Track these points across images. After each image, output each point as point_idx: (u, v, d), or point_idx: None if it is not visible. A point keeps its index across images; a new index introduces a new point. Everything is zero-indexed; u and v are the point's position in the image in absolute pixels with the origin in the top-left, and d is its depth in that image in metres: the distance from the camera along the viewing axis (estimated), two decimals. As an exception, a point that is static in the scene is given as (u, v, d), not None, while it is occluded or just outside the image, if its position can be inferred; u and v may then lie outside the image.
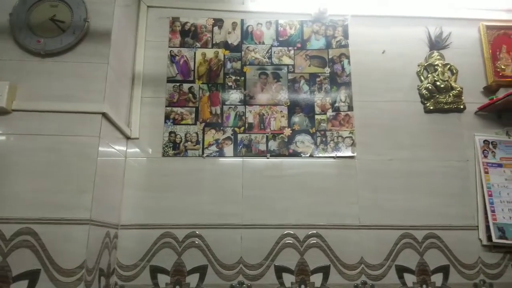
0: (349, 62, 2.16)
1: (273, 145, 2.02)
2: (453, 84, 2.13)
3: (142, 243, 1.85)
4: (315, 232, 1.90)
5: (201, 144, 2.00)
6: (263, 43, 2.17)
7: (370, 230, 1.92)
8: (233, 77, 2.11)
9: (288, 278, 1.84)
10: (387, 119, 2.08)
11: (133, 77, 2.06)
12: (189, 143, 2.00)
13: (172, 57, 2.12)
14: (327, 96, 2.11)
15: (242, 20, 2.20)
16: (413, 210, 1.95)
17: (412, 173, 2.01)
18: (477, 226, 1.95)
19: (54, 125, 1.55)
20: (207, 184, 1.94)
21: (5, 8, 1.67)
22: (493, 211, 1.93)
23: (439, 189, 1.99)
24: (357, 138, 2.05)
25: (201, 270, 1.83)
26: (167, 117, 2.03)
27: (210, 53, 2.14)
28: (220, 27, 2.18)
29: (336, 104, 2.10)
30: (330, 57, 2.17)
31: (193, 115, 2.05)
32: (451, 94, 2.11)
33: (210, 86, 2.09)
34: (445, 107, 2.09)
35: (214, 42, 2.16)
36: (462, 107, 2.10)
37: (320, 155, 2.02)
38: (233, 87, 2.10)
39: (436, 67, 2.15)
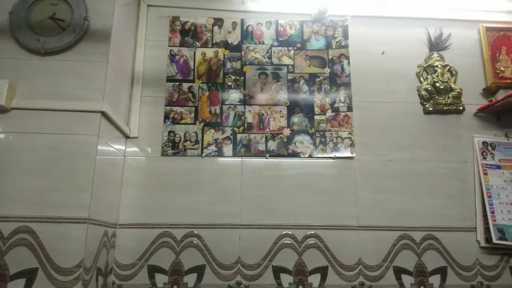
0: (348, 63, 2.16)
1: (272, 145, 2.02)
2: (452, 86, 2.13)
3: (140, 242, 1.85)
4: (313, 232, 1.91)
5: (200, 143, 2.00)
6: (263, 43, 2.17)
7: (368, 231, 1.92)
8: (233, 77, 2.11)
9: (286, 279, 1.84)
10: (386, 120, 2.09)
11: (133, 76, 2.06)
12: (188, 142, 2.00)
13: (172, 57, 2.12)
14: (327, 96, 2.11)
15: (242, 20, 2.20)
16: (411, 211, 1.95)
17: (411, 174, 2.01)
18: (475, 228, 1.95)
19: (53, 124, 1.55)
20: (206, 183, 1.94)
21: (5, 7, 1.67)
22: (492, 212, 1.93)
23: (437, 190, 1.99)
24: (356, 139, 2.05)
25: (199, 270, 1.83)
26: (166, 116, 2.03)
27: (210, 52, 2.14)
28: (220, 27, 2.18)
29: (336, 105, 2.10)
30: (330, 57, 2.17)
31: (193, 115, 2.05)
32: (450, 96, 2.11)
33: (209, 85, 2.09)
34: (445, 108, 2.10)
35: (214, 41, 2.16)
36: (461, 108, 2.10)
37: (319, 155, 2.02)
38: (232, 87, 2.10)
39: (435, 68, 2.15)
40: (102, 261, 1.65)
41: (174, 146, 1.99)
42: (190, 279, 1.81)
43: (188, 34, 2.17)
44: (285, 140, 2.03)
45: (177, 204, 1.90)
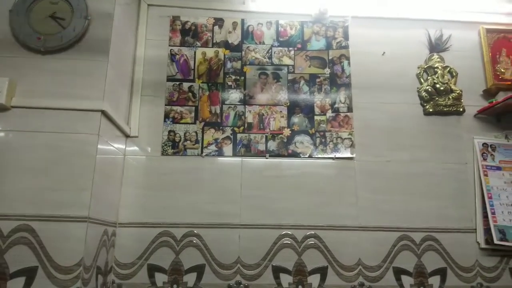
0: (349, 63, 2.16)
1: (272, 145, 2.02)
2: (452, 87, 2.13)
3: (140, 241, 1.84)
4: (313, 233, 1.90)
5: (200, 143, 2.00)
6: (264, 43, 2.17)
7: (368, 232, 1.92)
8: (233, 77, 2.11)
9: (286, 279, 1.84)
10: (386, 121, 2.09)
11: (133, 76, 2.06)
12: (188, 142, 2.00)
13: (172, 56, 2.12)
14: (327, 97, 2.11)
15: (242, 20, 2.20)
16: (411, 212, 1.96)
17: (411, 175, 2.01)
18: (475, 229, 1.95)
19: (53, 122, 1.55)
20: (205, 183, 1.94)
21: (6, 5, 1.67)
22: (493, 213, 1.93)
23: (437, 191, 2.00)
24: (356, 139, 2.05)
25: (199, 269, 1.82)
26: (166, 115, 2.03)
27: (210, 52, 2.14)
28: (220, 27, 2.18)
29: (336, 105, 2.10)
30: (330, 58, 2.17)
31: (193, 114, 2.04)
32: (450, 97, 2.11)
33: (210, 85, 2.09)
34: (445, 109, 2.10)
35: (214, 41, 2.16)
36: (461, 109, 2.11)
37: (319, 156, 2.02)
38: (233, 87, 2.10)
39: (436, 69, 2.15)
40: (102, 260, 1.65)
41: (174, 146, 1.99)
42: (190, 278, 1.81)
43: (189, 33, 2.16)
44: (285, 140, 2.03)
45: (177, 203, 1.90)
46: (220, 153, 1.99)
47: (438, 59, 2.17)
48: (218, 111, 2.06)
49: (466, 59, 2.21)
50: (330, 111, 2.09)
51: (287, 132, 2.04)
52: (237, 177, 1.96)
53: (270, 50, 2.17)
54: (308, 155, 2.02)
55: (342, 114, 2.09)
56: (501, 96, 2.05)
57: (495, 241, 1.88)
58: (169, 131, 2.01)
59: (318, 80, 2.13)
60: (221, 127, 2.03)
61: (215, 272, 1.83)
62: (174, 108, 2.05)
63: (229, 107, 2.07)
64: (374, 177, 2.00)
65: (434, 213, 1.96)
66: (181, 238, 1.86)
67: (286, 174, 1.98)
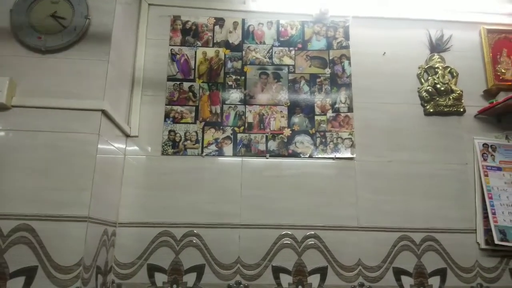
0: (349, 63, 2.16)
1: (272, 145, 2.02)
2: (453, 87, 2.13)
3: (140, 241, 1.84)
4: (313, 233, 1.90)
5: (200, 143, 2.00)
6: (264, 43, 2.17)
7: (368, 232, 1.92)
8: (234, 77, 2.11)
9: (286, 279, 1.84)
10: (387, 121, 2.09)
11: (134, 75, 2.06)
12: (188, 142, 2.00)
13: (172, 56, 2.12)
14: (327, 97, 2.11)
15: (243, 20, 2.20)
16: (411, 212, 1.95)
17: (411, 175, 2.01)
18: (475, 230, 1.95)
19: (53, 122, 1.55)
20: (206, 183, 1.94)
21: (6, 4, 1.67)
22: (494, 213, 1.93)
23: (437, 191, 2.00)
24: (356, 140, 2.05)
25: (199, 269, 1.82)
26: (167, 115, 2.03)
27: (210, 52, 2.14)
28: (221, 26, 2.18)
29: (336, 105, 2.10)
30: (330, 58, 2.17)
31: (193, 114, 2.04)
32: (451, 97, 2.11)
33: (210, 85, 2.09)
34: (445, 110, 2.10)
35: (215, 41, 2.16)
36: (462, 110, 2.10)
37: (320, 156, 2.02)
38: (233, 87, 2.10)
39: (436, 69, 2.15)
40: (102, 259, 1.65)
41: (174, 145, 1.99)
42: (190, 278, 1.81)
43: (189, 33, 2.16)
44: (286, 140, 2.03)
45: (177, 203, 1.90)
46: (220, 153, 1.99)
47: (439, 59, 2.17)
48: (218, 111, 2.06)
49: (466, 60, 2.21)
50: (330, 111, 2.09)
51: (287, 132, 2.04)
52: (237, 177, 1.96)
53: (271, 50, 2.16)
54: (308, 155, 2.02)
55: (342, 114, 2.09)
56: (501, 97, 2.05)
57: (496, 241, 1.87)
58: (170, 131, 2.01)
59: (318, 80, 2.13)
60: (221, 127, 2.03)
61: (215, 272, 1.83)
62: (175, 107, 2.04)
63: (230, 107, 2.06)
64: (374, 177, 2.00)
65: (434, 213, 1.96)
66: (181, 238, 1.86)
67: (286, 174, 1.98)
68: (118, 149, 1.85)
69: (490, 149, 2.06)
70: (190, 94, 2.07)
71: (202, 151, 1.99)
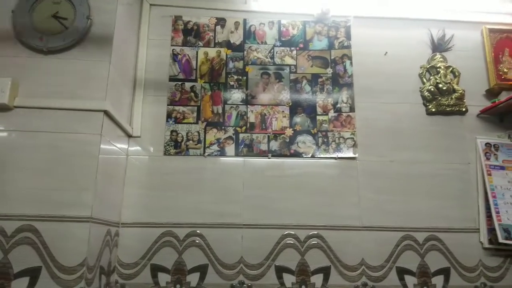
0: (351, 63, 2.16)
1: (274, 145, 2.02)
2: (455, 87, 2.13)
3: (143, 241, 1.84)
4: (316, 232, 1.90)
5: (202, 143, 2.00)
6: (266, 43, 2.17)
7: (371, 232, 1.92)
8: (235, 77, 2.11)
9: (289, 279, 1.84)
10: (389, 121, 2.08)
11: (135, 76, 2.06)
12: (190, 142, 2.00)
13: (174, 56, 2.12)
14: (329, 96, 2.11)
15: (244, 20, 2.20)
16: (414, 212, 1.95)
17: (414, 175, 2.01)
18: (479, 229, 1.95)
19: (56, 122, 1.55)
20: (208, 183, 1.94)
21: (8, 5, 1.67)
22: (497, 212, 1.92)
23: (440, 191, 1.99)
24: (358, 139, 2.05)
25: (202, 269, 1.82)
26: (169, 115, 2.03)
27: (212, 52, 2.14)
28: (222, 27, 2.18)
29: (338, 105, 2.10)
30: (332, 58, 2.17)
31: (195, 114, 2.04)
32: (453, 97, 2.11)
33: (212, 85, 2.09)
34: (447, 109, 2.09)
35: (216, 41, 2.16)
36: (464, 109, 2.10)
37: (322, 155, 2.02)
38: (235, 87, 2.10)
39: (438, 69, 2.15)
40: (105, 260, 1.65)
41: (176, 146, 1.99)
42: (193, 278, 1.81)
43: (191, 33, 2.16)
44: (288, 140, 2.03)
45: (180, 203, 1.90)
46: (222, 153, 1.99)
47: (441, 59, 2.17)
48: (220, 111, 2.06)
49: (468, 59, 2.21)
50: (332, 111, 2.09)
51: (289, 132, 2.04)
52: (239, 177, 1.96)
53: (272, 50, 2.16)
54: (310, 155, 2.02)
55: (344, 114, 2.08)
56: (503, 96, 2.05)
57: (500, 240, 1.87)
58: (172, 131, 2.01)
59: (320, 80, 2.13)
60: (223, 127, 2.03)
61: (218, 272, 1.82)
62: (177, 108, 2.04)
63: (231, 107, 2.06)
64: (377, 177, 2.00)
65: (437, 213, 1.96)
66: (184, 238, 1.85)
67: (288, 174, 1.98)
68: (121, 149, 1.85)
69: (493, 148, 2.05)
70: (192, 94, 2.07)
71: (204, 151, 1.99)
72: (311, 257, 1.87)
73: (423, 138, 2.07)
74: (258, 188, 1.95)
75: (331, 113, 2.08)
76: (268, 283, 1.83)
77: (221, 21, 2.19)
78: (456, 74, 2.17)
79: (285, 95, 2.10)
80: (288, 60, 2.15)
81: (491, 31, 2.23)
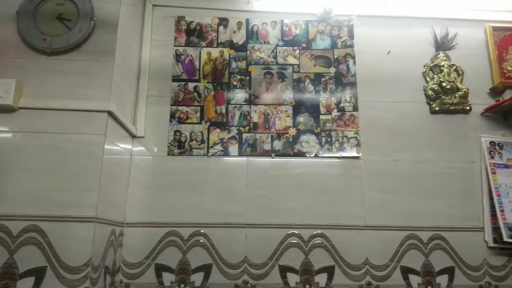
0: (354, 62, 2.16)
1: (278, 144, 2.02)
2: (459, 85, 2.12)
3: (147, 241, 1.85)
4: (319, 232, 1.90)
5: (206, 143, 2.00)
6: (268, 43, 2.17)
7: (375, 231, 1.91)
8: (238, 77, 2.11)
9: (293, 278, 1.84)
10: (392, 120, 2.08)
11: (139, 76, 2.06)
12: (194, 142, 2.00)
13: (177, 56, 2.13)
14: (332, 96, 2.11)
15: (247, 20, 2.20)
16: (418, 211, 1.95)
17: (417, 174, 2.00)
18: (483, 228, 1.94)
19: (60, 123, 1.55)
20: (212, 183, 1.94)
21: (12, 6, 1.68)
22: (502, 211, 1.92)
23: (444, 190, 1.99)
24: (362, 139, 2.04)
25: (206, 269, 1.83)
26: (172, 116, 2.04)
27: (215, 52, 2.15)
28: (225, 27, 2.18)
29: (341, 104, 2.09)
30: (335, 57, 2.17)
31: (198, 114, 2.05)
32: (457, 95, 2.10)
33: (215, 85, 2.09)
34: (451, 108, 2.09)
35: (219, 41, 2.16)
36: (468, 108, 2.10)
37: (325, 155, 2.02)
38: (238, 87, 2.10)
39: (442, 68, 2.14)
40: (110, 259, 1.65)
41: (180, 146, 1.99)
42: (197, 278, 1.81)
43: (194, 34, 2.17)
44: (291, 139, 2.03)
45: (184, 203, 1.90)
46: (226, 153, 1.99)
47: (444, 58, 2.17)
48: (223, 111, 2.06)
49: (472, 57, 2.20)
50: (335, 110, 2.09)
51: (292, 131, 2.04)
52: (243, 177, 1.96)
53: (275, 50, 2.16)
54: (314, 154, 2.01)
55: (347, 113, 2.08)
56: (508, 94, 2.04)
57: (505, 239, 1.86)
58: (175, 131, 2.01)
59: (323, 79, 2.13)
60: (226, 127, 2.03)
61: (222, 272, 1.83)
62: (180, 108, 2.05)
63: (235, 106, 2.07)
64: (380, 176, 1.99)
65: (441, 212, 1.95)
66: (188, 237, 1.86)
67: (292, 174, 1.98)
68: (125, 149, 1.85)
69: (497, 147, 2.05)
70: (195, 94, 2.07)
71: (208, 151, 1.99)
72: (315, 257, 1.87)
73: (427, 137, 2.06)
74: (261, 187, 1.95)
75: (335, 113, 2.08)
76: (272, 283, 1.83)
77: (223, 21, 2.19)
78: (460, 72, 2.16)
79: (288, 95, 2.10)
80: (291, 60, 2.15)
81: (495, 29, 2.22)
